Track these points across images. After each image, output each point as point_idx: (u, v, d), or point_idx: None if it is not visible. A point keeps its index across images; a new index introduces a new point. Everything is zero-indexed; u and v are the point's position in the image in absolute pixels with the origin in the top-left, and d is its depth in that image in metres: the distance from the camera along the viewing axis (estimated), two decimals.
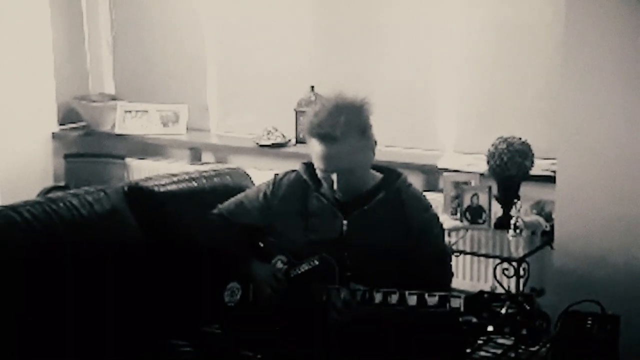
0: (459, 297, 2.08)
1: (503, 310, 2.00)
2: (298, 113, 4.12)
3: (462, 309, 2.07)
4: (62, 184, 4.62)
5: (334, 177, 2.28)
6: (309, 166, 2.42)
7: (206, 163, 4.52)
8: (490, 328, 2.03)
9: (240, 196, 2.58)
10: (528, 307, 1.99)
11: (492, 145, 3.35)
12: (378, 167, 2.44)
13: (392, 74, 4.09)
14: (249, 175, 3.08)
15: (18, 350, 2.18)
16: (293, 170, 2.50)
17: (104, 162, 4.79)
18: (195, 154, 4.67)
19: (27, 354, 2.20)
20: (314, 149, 2.29)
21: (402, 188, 2.40)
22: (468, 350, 3.33)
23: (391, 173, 2.44)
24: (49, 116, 4.80)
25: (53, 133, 4.81)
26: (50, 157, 4.80)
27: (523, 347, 3.21)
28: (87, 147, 4.90)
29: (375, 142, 2.35)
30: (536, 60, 3.68)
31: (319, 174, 2.33)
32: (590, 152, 2.97)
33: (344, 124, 2.23)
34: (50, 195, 2.50)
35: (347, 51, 4.22)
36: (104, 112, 4.82)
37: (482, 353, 3.45)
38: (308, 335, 2.32)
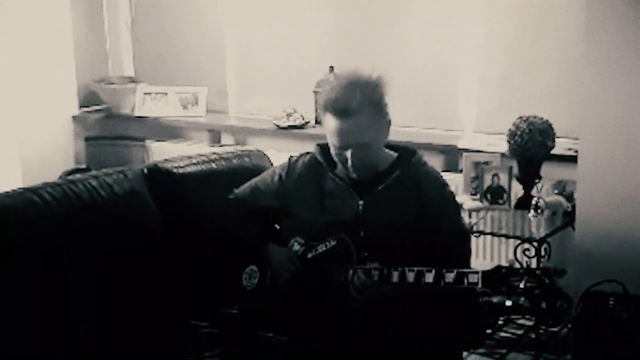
0: (477, 272, 2.07)
1: (521, 285, 1.98)
2: (317, 94, 4.10)
3: (480, 284, 2.05)
4: (83, 166, 4.65)
5: (348, 153, 2.27)
6: (324, 147, 2.41)
7: (225, 145, 4.52)
8: (508, 303, 2.01)
9: (255, 180, 2.58)
10: (547, 281, 1.97)
11: (513, 124, 3.32)
12: (393, 146, 2.42)
13: (412, 54, 4.06)
14: (267, 157, 3.08)
15: (36, 332, 2.20)
16: (308, 153, 2.49)
17: (124, 145, 4.81)
18: (215, 136, 4.68)
19: (46, 335, 2.21)
20: (329, 125, 2.27)
21: (418, 166, 2.38)
22: (489, 331, 3.33)
23: (406, 152, 2.42)
24: (69, 99, 4.83)
25: (73, 116, 4.84)
26: (71, 140, 4.83)
27: (544, 327, 3.20)
28: (107, 129, 4.92)
29: (390, 120, 2.33)
30: (558, 38, 3.63)
31: (333, 151, 2.32)
32: (613, 131, 2.93)
33: (359, 98, 2.22)
34: (70, 177, 2.51)
35: (366, 31, 4.19)
36: (123, 95, 4.84)
37: (503, 334, 3.44)
38: (326, 316, 2.31)
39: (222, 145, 4.53)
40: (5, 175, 4.41)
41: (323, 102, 2.28)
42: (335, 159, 2.33)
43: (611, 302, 2.43)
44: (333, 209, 2.36)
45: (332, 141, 2.30)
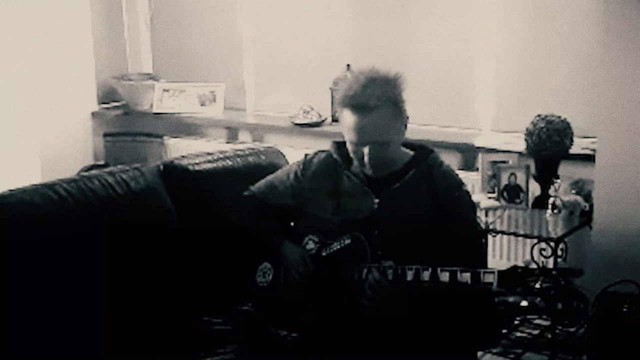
0: (492, 272, 2.06)
1: (537, 285, 1.97)
2: (334, 92, 4.10)
3: (495, 284, 2.04)
4: (101, 162, 4.67)
5: (365, 150, 2.26)
6: (340, 145, 2.41)
7: (242, 142, 4.53)
8: (524, 303, 2.00)
9: (271, 177, 2.58)
10: (563, 282, 1.96)
11: (531, 123, 3.30)
12: (409, 145, 2.41)
13: (430, 52, 4.05)
14: (283, 154, 3.08)
15: (49, 328, 2.21)
16: (323, 150, 2.49)
17: (142, 141, 4.83)
18: (232, 133, 4.69)
19: (58, 330, 2.23)
20: (346, 121, 2.27)
21: (434, 165, 2.37)
22: (504, 331, 3.31)
23: (423, 150, 2.41)
24: (88, 95, 4.85)
25: (92, 112, 4.87)
26: (90, 136, 4.86)
27: (560, 327, 3.18)
28: (125, 126, 4.94)
29: (408, 117, 2.33)
30: (576, 37, 3.60)
31: (350, 147, 2.31)
32: (631, 131, 2.89)
33: (377, 95, 2.22)
34: (86, 173, 2.52)
35: (383, 29, 4.18)
36: (142, 92, 4.86)
37: (519, 334, 3.42)
38: (340, 314, 2.31)
39: (239, 142, 4.54)
40: (24, 171, 4.45)
41: (341, 99, 2.28)
42: (352, 155, 2.33)
43: (627, 304, 2.41)
44: (348, 207, 2.36)
45: (349, 138, 2.29)
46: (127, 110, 4.92)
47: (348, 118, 2.26)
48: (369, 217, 2.32)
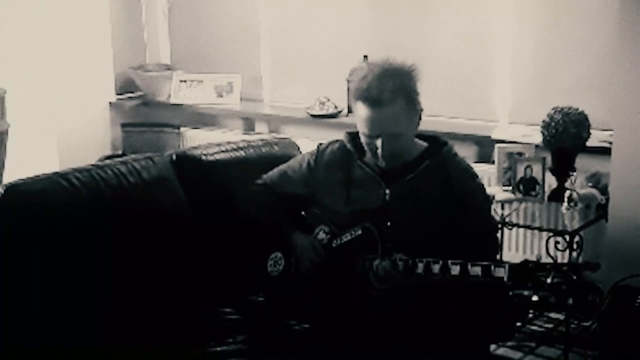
0: (503, 266, 2.04)
1: (548, 280, 1.95)
2: (349, 83, 4.08)
3: (506, 278, 2.03)
4: (119, 152, 4.70)
5: (379, 142, 2.25)
6: (354, 135, 2.40)
7: (259, 133, 4.53)
8: (535, 298, 1.98)
9: (284, 166, 2.58)
10: (574, 277, 1.94)
11: (548, 115, 3.26)
12: (423, 136, 2.40)
13: (446, 44, 4.02)
14: (297, 145, 3.07)
15: (59, 316, 2.23)
16: (337, 140, 2.48)
17: (159, 132, 4.84)
18: (249, 124, 4.69)
19: (69, 319, 2.24)
20: (360, 113, 2.26)
21: (448, 157, 2.36)
22: (518, 324, 3.29)
23: (436, 142, 2.39)
24: (106, 86, 4.89)
25: (110, 102, 4.90)
26: (108, 126, 4.89)
27: (576, 322, 3.15)
28: (143, 116, 4.96)
29: (422, 109, 2.31)
30: (593, 28, 3.56)
31: (363, 139, 2.30)
32: None
33: (391, 87, 2.21)
34: (98, 162, 2.53)
35: (400, 20, 4.16)
36: (160, 82, 4.87)
37: (533, 327, 3.39)
38: (350, 305, 2.31)
39: (256, 133, 4.54)
40: (43, 161, 4.48)
41: (354, 91, 2.27)
42: (365, 147, 2.32)
43: (639, 297, 2.38)
44: (360, 197, 2.35)
45: (362, 130, 2.28)
46: (144, 100, 4.94)
47: (361, 110, 2.25)
48: (381, 209, 2.32)
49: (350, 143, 2.42)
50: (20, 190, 2.26)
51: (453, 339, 2.27)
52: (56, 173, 2.39)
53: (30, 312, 2.18)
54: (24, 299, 2.18)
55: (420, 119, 2.32)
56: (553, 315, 3.36)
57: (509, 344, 3.24)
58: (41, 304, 2.20)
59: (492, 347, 3.06)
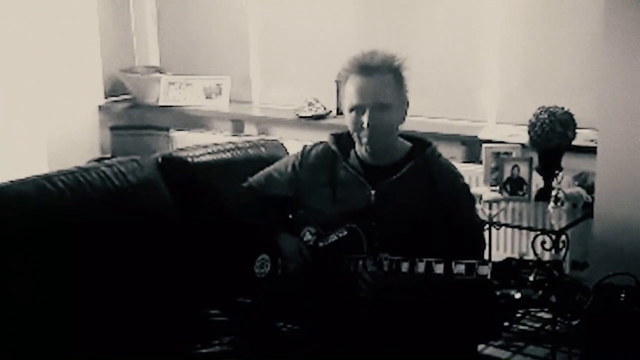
0: (487, 264, 2.05)
1: (531, 278, 1.96)
2: (339, 84, 4.08)
3: (489, 276, 2.03)
4: (108, 155, 4.69)
5: (365, 117, 2.26)
6: (338, 137, 2.42)
7: (248, 135, 4.54)
8: (517, 295, 1.99)
9: (269, 168, 2.58)
10: (557, 274, 1.95)
11: (534, 115, 3.27)
12: (408, 137, 2.41)
13: (434, 45, 4.04)
14: (284, 147, 3.07)
15: (46, 320, 2.22)
16: (321, 142, 2.49)
17: (148, 134, 4.85)
18: (238, 126, 4.69)
19: (56, 322, 2.23)
20: (350, 88, 2.30)
21: (432, 158, 2.37)
22: (506, 324, 3.30)
23: (421, 142, 2.40)
24: (95, 89, 4.88)
25: (99, 105, 4.90)
26: (97, 129, 4.88)
27: (563, 321, 3.16)
28: (132, 119, 4.96)
29: (408, 102, 2.35)
30: (580, 29, 3.58)
31: (350, 119, 2.31)
32: (634, 123, 2.87)
33: (382, 58, 2.30)
34: (83, 165, 2.52)
35: (388, 22, 4.17)
36: (149, 85, 4.87)
37: (521, 327, 3.40)
38: (337, 306, 2.31)
39: (245, 135, 4.54)
40: (31, 164, 4.47)
41: (346, 67, 2.34)
42: (351, 129, 2.33)
43: (623, 295, 2.38)
44: (345, 198, 2.36)
45: (351, 104, 2.30)
46: (133, 103, 4.94)
47: (352, 83, 2.30)
48: (366, 209, 2.32)
49: (335, 144, 2.43)
50: (4, 193, 2.25)
51: (441, 339, 2.27)
52: (41, 176, 2.38)
53: (11, 315, 2.17)
54: (7, 302, 2.17)
55: (406, 113, 2.35)
56: (541, 314, 3.37)
57: (497, 343, 3.24)
58: (25, 307, 2.19)
59: (480, 346, 3.06)
